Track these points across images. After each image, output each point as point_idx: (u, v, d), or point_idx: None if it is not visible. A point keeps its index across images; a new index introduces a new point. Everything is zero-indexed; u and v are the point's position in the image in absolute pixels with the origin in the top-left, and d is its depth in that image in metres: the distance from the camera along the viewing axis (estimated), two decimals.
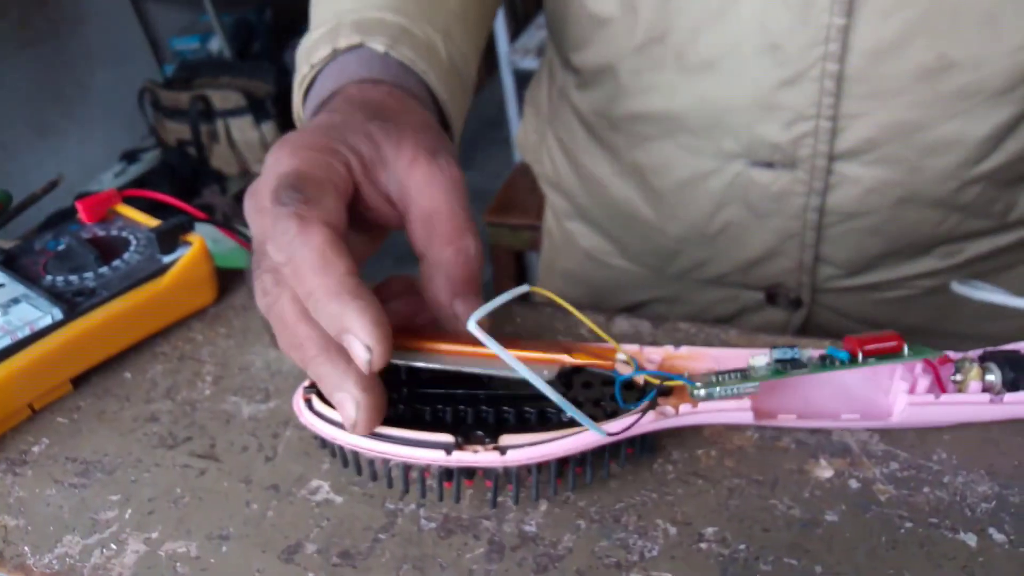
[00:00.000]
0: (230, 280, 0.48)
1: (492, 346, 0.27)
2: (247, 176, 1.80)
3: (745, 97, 0.44)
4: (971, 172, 0.44)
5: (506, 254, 1.48)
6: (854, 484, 0.31)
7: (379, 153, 0.31)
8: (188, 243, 0.45)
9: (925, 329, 0.53)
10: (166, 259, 0.44)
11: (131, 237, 0.46)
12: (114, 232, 0.47)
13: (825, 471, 0.32)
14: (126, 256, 0.44)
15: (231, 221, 1.78)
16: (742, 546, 0.29)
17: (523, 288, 0.31)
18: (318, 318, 0.27)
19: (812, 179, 0.45)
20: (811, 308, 0.52)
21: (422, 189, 0.30)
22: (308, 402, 0.32)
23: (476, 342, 0.27)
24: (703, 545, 0.30)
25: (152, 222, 0.47)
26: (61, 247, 0.45)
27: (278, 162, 0.30)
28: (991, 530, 0.29)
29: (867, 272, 0.50)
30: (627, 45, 0.46)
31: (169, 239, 0.45)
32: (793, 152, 0.45)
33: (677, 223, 0.52)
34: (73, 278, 0.43)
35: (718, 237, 0.51)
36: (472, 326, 0.27)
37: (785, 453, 0.33)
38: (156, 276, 0.43)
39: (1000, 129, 0.42)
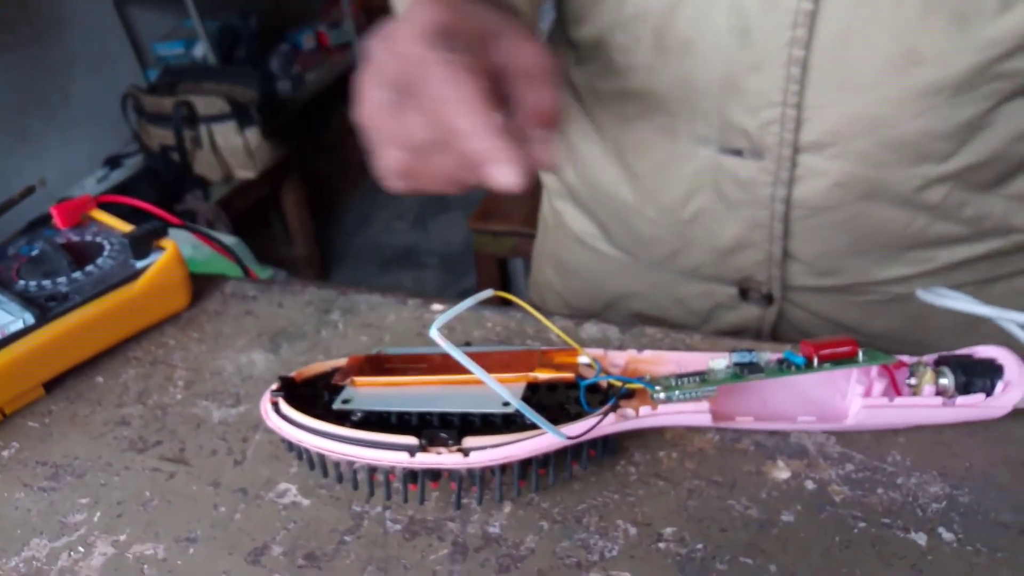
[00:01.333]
0: (204, 285, 0.49)
1: (457, 356, 0.27)
2: (230, 182, 1.80)
3: (716, 80, 0.45)
4: (936, 171, 0.44)
5: (489, 260, 1.49)
6: (810, 485, 0.32)
7: (497, 27, 0.34)
8: (162, 248, 0.45)
9: (897, 338, 0.54)
10: (139, 264, 0.44)
11: (105, 242, 0.46)
12: (88, 237, 0.47)
13: (783, 472, 0.32)
14: (99, 261, 0.45)
15: (214, 227, 1.76)
16: (699, 546, 0.30)
17: (487, 293, 0.31)
18: (464, 149, 0.31)
19: (779, 169, 0.46)
20: (782, 306, 0.53)
21: (531, 56, 0.34)
22: (275, 405, 0.33)
23: (451, 367, 0.27)
24: (662, 545, 0.30)
25: (126, 227, 0.47)
26: (35, 252, 0.45)
27: (422, 13, 0.33)
28: (941, 529, 0.30)
29: (837, 273, 0.51)
30: (616, 19, 0.47)
31: (143, 244, 0.45)
32: (760, 140, 0.46)
33: (653, 207, 0.53)
34: (46, 283, 0.43)
35: (691, 224, 0.52)
36: (434, 333, 0.27)
37: (744, 455, 0.33)
38: (129, 281, 0.44)
39: (963, 128, 0.43)
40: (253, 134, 1.76)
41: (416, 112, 0.32)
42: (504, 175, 0.30)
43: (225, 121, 1.73)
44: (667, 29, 0.45)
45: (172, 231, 0.47)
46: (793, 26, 0.41)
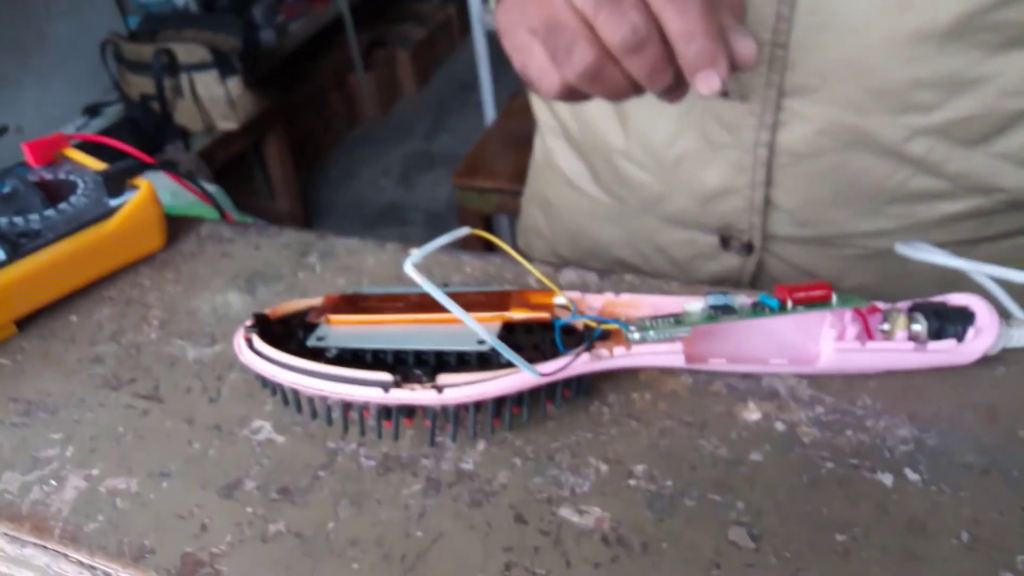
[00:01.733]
0: (180, 226, 0.48)
1: (431, 290, 0.27)
2: (212, 133, 1.77)
3: None
4: (921, 122, 0.44)
5: (474, 217, 1.48)
6: (780, 426, 0.32)
7: None
8: (136, 187, 0.45)
9: (875, 292, 0.54)
10: (113, 203, 0.44)
11: (78, 180, 0.45)
12: (61, 175, 0.46)
13: (753, 414, 0.33)
14: (72, 199, 0.44)
15: (195, 178, 1.75)
16: (669, 483, 0.30)
17: (464, 230, 0.31)
18: (686, 51, 0.31)
19: (763, 112, 0.46)
20: (762, 256, 0.54)
21: None
22: (248, 341, 0.33)
23: (427, 305, 0.27)
24: (632, 482, 0.31)
25: (101, 166, 0.46)
26: (6, 189, 0.44)
27: None
28: (907, 470, 0.30)
29: (817, 224, 0.51)
30: None
31: (117, 183, 0.44)
32: (746, 80, 0.45)
33: (640, 147, 0.53)
34: (18, 220, 0.42)
35: (676, 167, 0.52)
36: (409, 268, 0.27)
37: (717, 397, 0.34)
38: (103, 219, 0.43)
39: (950, 80, 0.43)
40: (235, 84, 1.73)
41: (636, 9, 0.31)
42: (713, 80, 0.31)
43: (207, 70, 1.70)
44: None
45: (152, 177, 0.46)
46: None
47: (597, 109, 0.55)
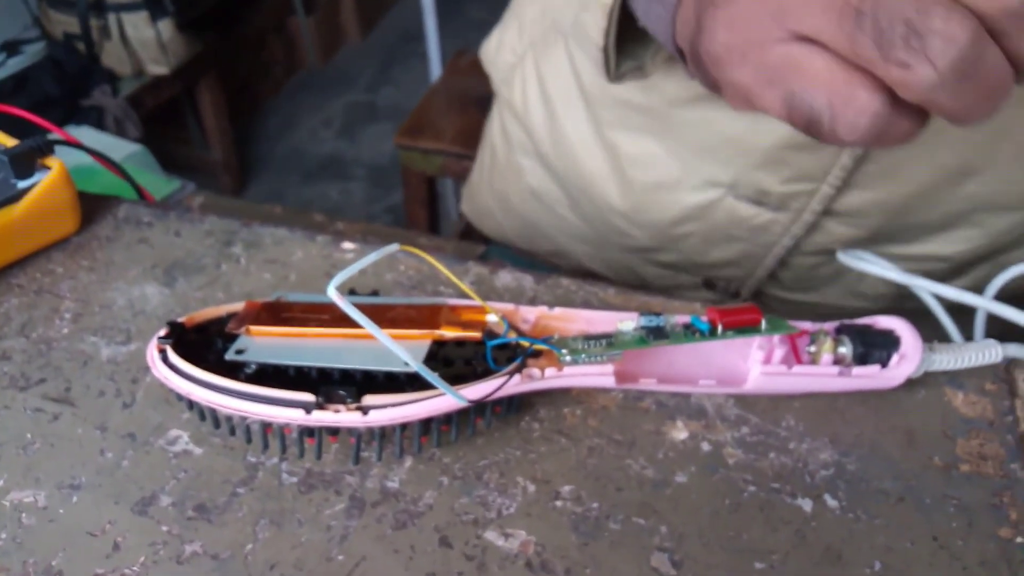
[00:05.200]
0: (95, 207, 0.45)
1: (356, 316, 0.26)
2: (141, 77, 1.68)
3: (754, 141, 0.42)
4: (936, 250, 0.45)
5: (417, 178, 1.45)
6: (706, 447, 0.32)
7: None
8: (47, 167, 0.42)
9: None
10: (21, 184, 0.41)
11: None
12: None
13: (681, 433, 0.33)
14: None
15: (123, 125, 1.64)
16: (595, 504, 0.30)
17: (392, 247, 0.30)
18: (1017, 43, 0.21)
19: (793, 224, 0.45)
20: (745, 298, 0.53)
21: None
22: (162, 353, 0.31)
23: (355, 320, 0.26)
24: (558, 503, 0.31)
25: (8, 141, 0.43)
26: None
27: None
28: (826, 496, 0.31)
29: (811, 291, 0.51)
30: None
31: (26, 162, 0.41)
32: (784, 202, 0.44)
33: (640, 215, 0.50)
34: None
35: (677, 240, 0.50)
36: (332, 293, 0.26)
37: (646, 414, 0.34)
38: (10, 203, 0.40)
39: (973, 253, 0.44)
40: (166, 26, 1.64)
41: None
42: None
43: (136, 11, 1.60)
44: None
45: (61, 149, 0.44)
46: None
47: (590, 160, 0.50)
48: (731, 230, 0.47)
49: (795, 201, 0.44)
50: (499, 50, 0.61)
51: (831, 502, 0.30)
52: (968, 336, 0.38)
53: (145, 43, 1.64)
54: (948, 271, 0.47)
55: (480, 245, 0.74)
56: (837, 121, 0.23)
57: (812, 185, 0.43)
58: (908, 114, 0.23)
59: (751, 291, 0.52)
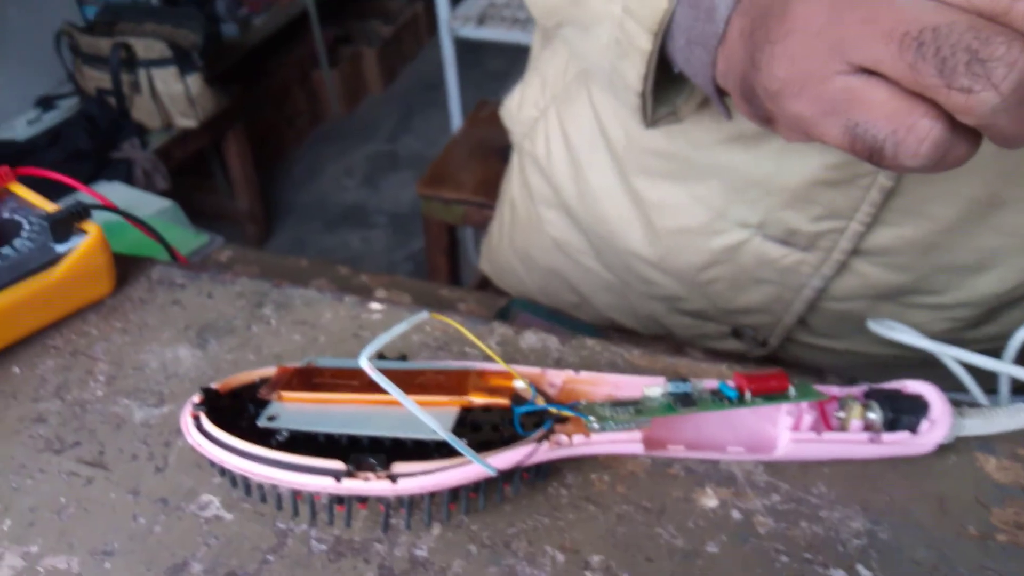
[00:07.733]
0: (129, 268, 0.47)
1: (386, 386, 0.26)
2: (170, 130, 1.73)
3: (782, 181, 0.42)
4: (968, 315, 0.45)
5: (438, 227, 1.47)
6: (736, 515, 0.32)
7: None
8: (84, 231, 0.43)
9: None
10: (60, 248, 0.42)
11: (23, 221, 0.44)
12: (5, 215, 0.44)
13: (711, 500, 0.33)
14: (17, 243, 0.42)
15: (152, 177, 1.67)
16: (625, 575, 0.30)
17: (422, 315, 0.30)
18: None
19: (822, 265, 0.45)
20: (774, 350, 0.53)
21: None
22: (196, 419, 0.32)
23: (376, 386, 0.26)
24: (588, 573, 0.30)
25: (48, 206, 0.44)
26: None
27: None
28: (859, 566, 0.30)
29: (841, 338, 0.51)
30: None
31: (64, 227, 0.43)
32: (813, 241, 0.44)
33: (667, 262, 0.50)
34: None
35: (705, 285, 0.50)
36: (364, 363, 0.26)
37: (675, 480, 0.34)
38: (48, 267, 0.41)
39: (1010, 294, 0.44)
40: (195, 80, 1.69)
41: None
42: None
43: (166, 66, 1.65)
44: None
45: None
46: None
47: (614, 209, 0.51)
48: (759, 273, 0.47)
49: (824, 240, 0.44)
50: (521, 106, 0.62)
51: (864, 572, 0.30)
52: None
53: (174, 98, 1.69)
54: (981, 316, 0.46)
55: (503, 297, 0.74)
56: (900, 149, 0.23)
57: (841, 223, 0.43)
58: (966, 138, 0.23)
59: (779, 339, 0.51)
